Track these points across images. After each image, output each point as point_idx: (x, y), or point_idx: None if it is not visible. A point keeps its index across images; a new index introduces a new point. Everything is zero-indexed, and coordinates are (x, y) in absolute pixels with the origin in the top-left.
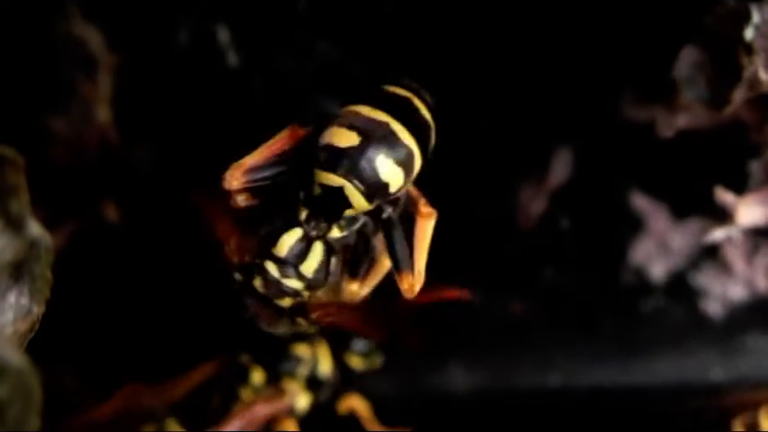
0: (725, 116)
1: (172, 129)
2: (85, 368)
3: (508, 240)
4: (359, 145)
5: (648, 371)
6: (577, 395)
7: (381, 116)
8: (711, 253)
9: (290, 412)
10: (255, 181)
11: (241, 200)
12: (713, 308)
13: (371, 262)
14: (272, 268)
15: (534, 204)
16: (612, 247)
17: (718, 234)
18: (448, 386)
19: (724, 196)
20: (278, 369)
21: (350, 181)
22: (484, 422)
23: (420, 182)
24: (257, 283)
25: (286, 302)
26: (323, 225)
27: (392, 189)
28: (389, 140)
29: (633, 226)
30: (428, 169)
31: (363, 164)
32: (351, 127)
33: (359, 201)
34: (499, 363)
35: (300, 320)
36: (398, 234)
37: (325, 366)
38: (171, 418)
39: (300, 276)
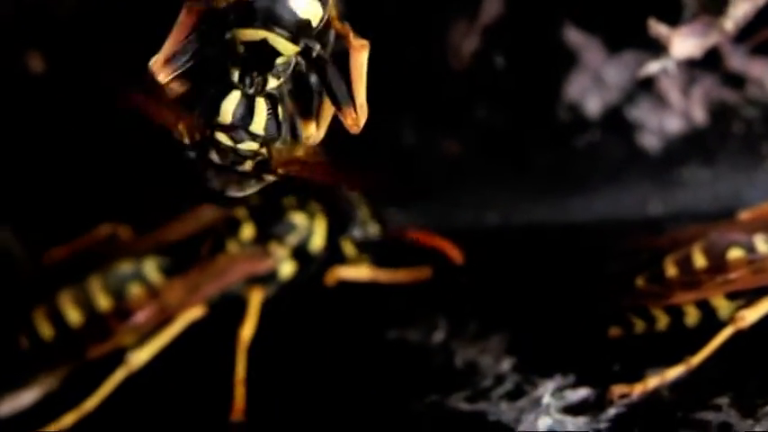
0: None
1: None
2: (20, 224)
3: (441, 80)
4: None
5: (586, 207)
6: (515, 233)
7: None
8: (647, 86)
9: (273, 277)
10: (181, 65)
11: (175, 87)
12: (650, 141)
13: (319, 100)
14: (222, 138)
15: (467, 42)
16: (547, 82)
17: (652, 67)
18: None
19: (658, 28)
20: (269, 231)
21: (270, 30)
22: (422, 262)
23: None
24: (213, 156)
25: (248, 166)
26: (258, 80)
27: (314, 23)
28: None
29: (567, 61)
30: (357, 11)
31: (279, 8)
32: None
33: (285, 46)
34: (436, 203)
35: (268, 177)
36: (333, 71)
37: (318, 241)
38: (150, 257)
39: (253, 136)
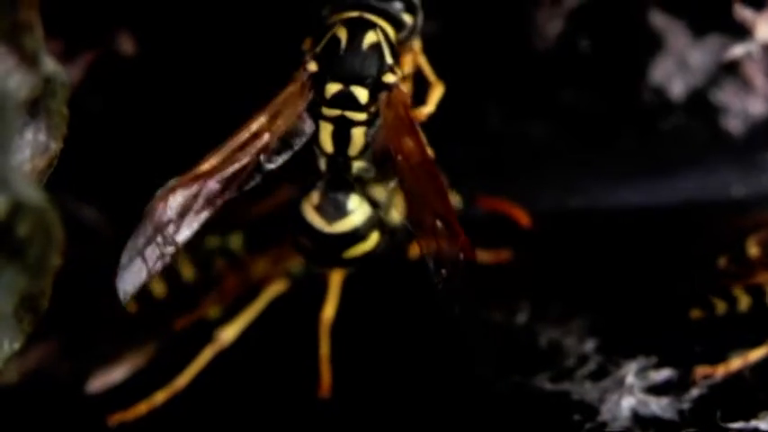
0: None
1: None
2: (107, 203)
3: (526, 63)
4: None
5: (670, 189)
6: (599, 215)
7: None
8: (731, 69)
9: None
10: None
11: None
12: (733, 124)
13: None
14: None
15: (551, 25)
16: (631, 66)
17: (737, 50)
18: (468, 213)
19: (743, 12)
20: None
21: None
22: (506, 245)
23: (434, 4)
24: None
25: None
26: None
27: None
28: None
29: (652, 44)
30: None
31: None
32: None
33: None
34: (520, 186)
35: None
36: None
37: (396, 215)
38: (236, 233)
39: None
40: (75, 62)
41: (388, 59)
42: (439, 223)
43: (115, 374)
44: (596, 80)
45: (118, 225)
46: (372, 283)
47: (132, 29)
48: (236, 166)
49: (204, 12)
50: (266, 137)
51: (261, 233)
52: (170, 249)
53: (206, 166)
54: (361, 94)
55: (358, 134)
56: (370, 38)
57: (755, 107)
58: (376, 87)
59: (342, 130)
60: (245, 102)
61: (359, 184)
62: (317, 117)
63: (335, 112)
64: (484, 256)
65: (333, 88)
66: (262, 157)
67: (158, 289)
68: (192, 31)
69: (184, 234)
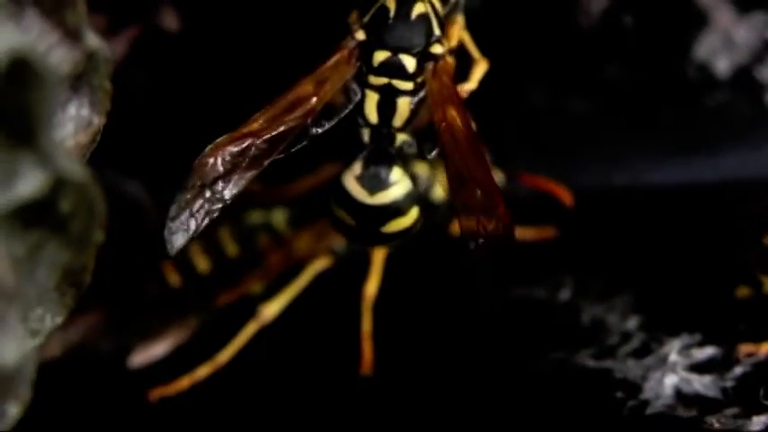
0: None
1: None
2: (150, 178)
3: (570, 39)
4: None
5: (714, 166)
6: (642, 192)
7: None
8: None
9: None
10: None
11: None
12: None
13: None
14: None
15: (596, 1)
16: (676, 42)
17: None
18: (513, 189)
19: None
20: None
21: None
22: (549, 220)
23: None
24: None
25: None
26: None
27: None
28: None
29: (697, 21)
30: None
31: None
32: None
33: None
34: (564, 162)
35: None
36: None
37: (440, 191)
38: (279, 208)
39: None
40: (119, 37)
41: (436, 30)
42: (480, 194)
43: (157, 349)
44: (640, 57)
45: (161, 200)
46: (415, 260)
47: (176, 4)
48: (283, 128)
49: None
50: (313, 101)
51: (304, 209)
52: (217, 206)
53: (254, 125)
54: (409, 62)
55: (403, 104)
56: (419, 8)
57: None
58: (423, 57)
59: (387, 100)
60: (287, 76)
61: (401, 159)
62: (363, 85)
63: (382, 81)
64: (527, 232)
65: (380, 56)
66: (309, 121)
67: (202, 264)
68: (236, 6)
69: (231, 191)
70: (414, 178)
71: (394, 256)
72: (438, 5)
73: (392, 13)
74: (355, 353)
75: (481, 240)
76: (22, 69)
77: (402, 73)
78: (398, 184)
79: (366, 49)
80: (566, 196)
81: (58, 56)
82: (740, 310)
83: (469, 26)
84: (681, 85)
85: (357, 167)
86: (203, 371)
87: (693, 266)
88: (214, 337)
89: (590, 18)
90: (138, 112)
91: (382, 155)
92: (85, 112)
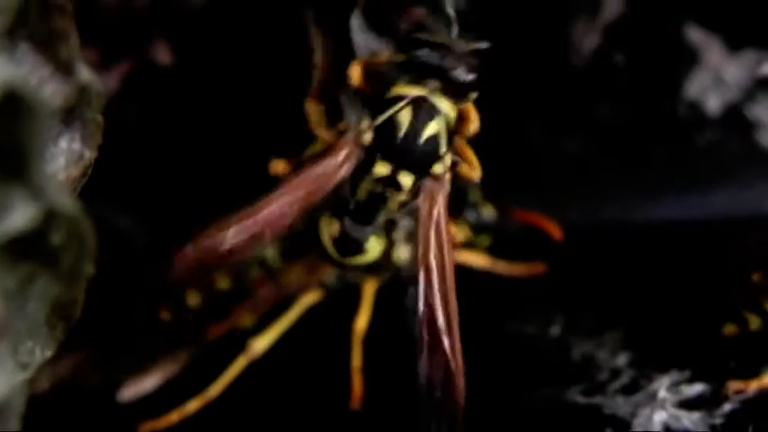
0: None
1: None
2: (142, 212)
3: (562, 77)
4: None
5: (704, 204)
6: (633, 228)
7: None
8: (767, 84)
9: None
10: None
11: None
12: None
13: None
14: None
15: (587, 40)
16: (667, 80)
17: None
18: (504, 225)
19: None
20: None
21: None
22: (539, 256)
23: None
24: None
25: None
26: None
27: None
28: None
29: (688, 59)
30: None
31: None
32: None
33: None
34: (555, 199)
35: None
36: None
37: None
38: (272, 243)
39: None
40: (111, 71)
41: (442, 149)
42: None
43: (147, 383)
44: (631, 95)
45: (152, 234)
46: (405, 294)
47: (169, 39)
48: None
49: (241, 22)
50: (294, 216)
51: (295, 243)
52: None
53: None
54: (407, 180)
55: (392, 207)
56: (432, 128)
57: None
58: (423, 176)
59: (377, 200)
60: (281, 112)
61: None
62: (355, 185)
63: (377, 188)
64: (518, 268)
65: (381, 169)
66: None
67: (192, 298)
68: (229, 41)
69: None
70: (390, 230)
71: (384, 290)
72: (452, 115)
73: (404, 130)
74: (345, 387)
75: (437, 394)
76: (14, 102)
77: (397, 186)
78: (372, 250)
79: (368, 155)
80: (555, 231)
81: (50, 89)
82: (730, 346)
83: None
84: (672, 122)
85: (335, 227)
86: (193, 405)
87: (683, 303)
88: (204, 371)
89: (581, 57)
90: (129, 145)
91: (362, 221)
92: (77, 145)
